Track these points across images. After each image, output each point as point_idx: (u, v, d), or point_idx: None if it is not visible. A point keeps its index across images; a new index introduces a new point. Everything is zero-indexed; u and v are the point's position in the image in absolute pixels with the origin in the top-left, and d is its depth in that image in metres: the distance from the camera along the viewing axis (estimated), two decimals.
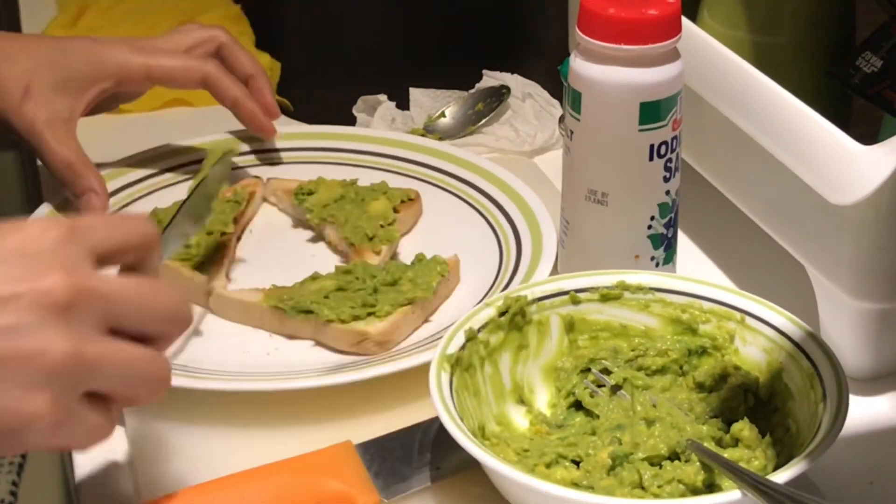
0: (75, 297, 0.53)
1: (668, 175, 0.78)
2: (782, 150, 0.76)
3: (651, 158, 0.77)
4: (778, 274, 0.83)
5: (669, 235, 0.80)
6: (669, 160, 0.77)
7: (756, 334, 0.71)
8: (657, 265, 0.80)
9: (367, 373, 0.74)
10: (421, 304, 0.81)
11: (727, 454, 0.66)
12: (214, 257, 0.86)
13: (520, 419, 0.72)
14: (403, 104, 1.11)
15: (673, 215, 0.79)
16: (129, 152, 0.98)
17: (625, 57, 0.75)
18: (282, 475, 0.66)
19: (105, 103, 0.94)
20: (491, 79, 1.12)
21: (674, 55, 0.76)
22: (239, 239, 0.91)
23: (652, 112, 0.76)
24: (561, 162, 0.81)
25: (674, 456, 0.66)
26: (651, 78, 0.75)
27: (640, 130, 0.76)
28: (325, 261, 0.89)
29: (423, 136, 1.04)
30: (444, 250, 0.86)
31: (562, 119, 1.06)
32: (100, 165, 0.94)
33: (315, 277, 0.84)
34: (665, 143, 0.77)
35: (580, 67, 0.76)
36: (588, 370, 0.74)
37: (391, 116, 1.09)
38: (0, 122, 0.90)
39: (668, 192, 0.78)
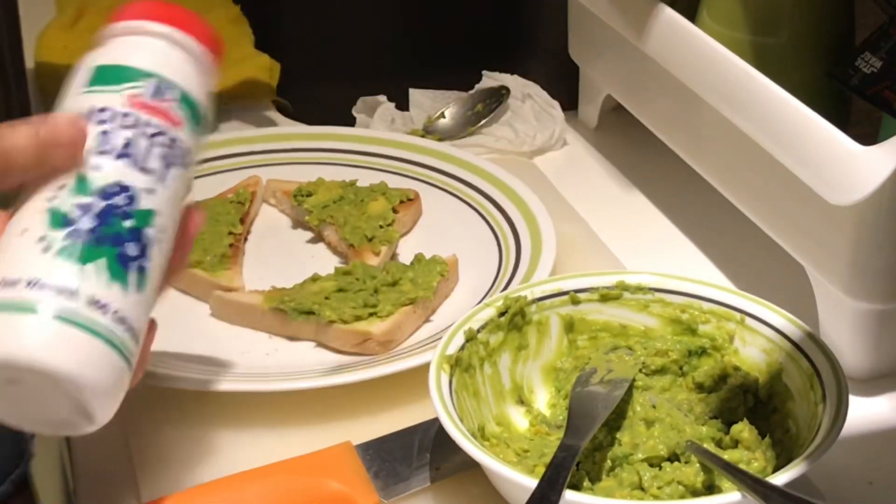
0: None
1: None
2: (782, 151, 0.76)
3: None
4: (777, 274, 0.83)
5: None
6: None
7: (755, 335, 0.71)
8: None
9: (367, 374, 0.74)
10: (422, 303, 0.81)
11: (727, 455, 0.65)
12: (226, 259, 0.86)
13: (519, 419, 0.72)
14: (403, 105, 1.11)
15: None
16: None
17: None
18: (282, 475, 0.66)
19: None
20: (490, 79, 1.12)
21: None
22: (245, 239, 0.91)
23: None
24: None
25: (673, 457, 0.66)
26: None
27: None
28: (324, 262, 0.89)
29: (422, 136, 1.04)
30: (443, 251, 0.86)
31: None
32: None
33: (315, 279, 0.84)
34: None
35: None
36: None
37: (391, 117, 1.09)
38: None
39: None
